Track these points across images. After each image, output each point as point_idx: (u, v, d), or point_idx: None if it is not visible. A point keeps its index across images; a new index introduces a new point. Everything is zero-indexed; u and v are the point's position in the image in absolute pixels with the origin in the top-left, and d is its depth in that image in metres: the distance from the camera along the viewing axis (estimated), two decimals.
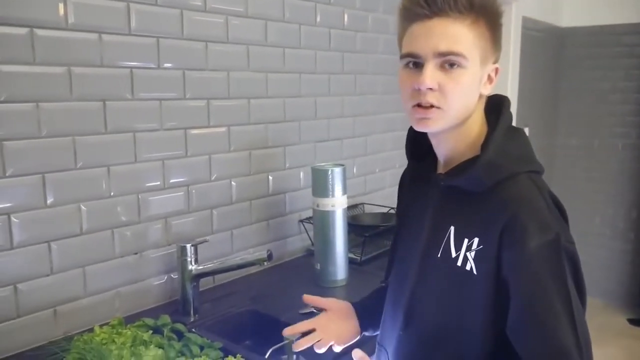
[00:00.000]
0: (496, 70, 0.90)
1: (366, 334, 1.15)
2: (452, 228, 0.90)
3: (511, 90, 3.34)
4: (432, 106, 0.84)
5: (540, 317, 0.80)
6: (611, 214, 4.06)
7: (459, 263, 0.87)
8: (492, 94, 0.93)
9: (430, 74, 0.83)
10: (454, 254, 0.88)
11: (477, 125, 0.92)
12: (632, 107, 3.91)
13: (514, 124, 0.93)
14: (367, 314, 1.14)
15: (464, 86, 0.84)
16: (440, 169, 0.97)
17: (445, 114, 0.85)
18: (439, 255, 0.91)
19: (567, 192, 3.93)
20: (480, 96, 0.90)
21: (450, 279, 0.89)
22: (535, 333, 0.80)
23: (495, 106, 0.93)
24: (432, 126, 0.87)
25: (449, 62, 0.83)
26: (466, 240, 0.87)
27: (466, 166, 0.89)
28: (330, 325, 1.11)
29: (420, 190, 1.01)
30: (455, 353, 0.89)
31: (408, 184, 1.08)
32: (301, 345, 1.07)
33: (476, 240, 0.86)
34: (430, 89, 0.83)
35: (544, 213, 0.82)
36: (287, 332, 1.11)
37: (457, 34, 0.82)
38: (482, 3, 0.84)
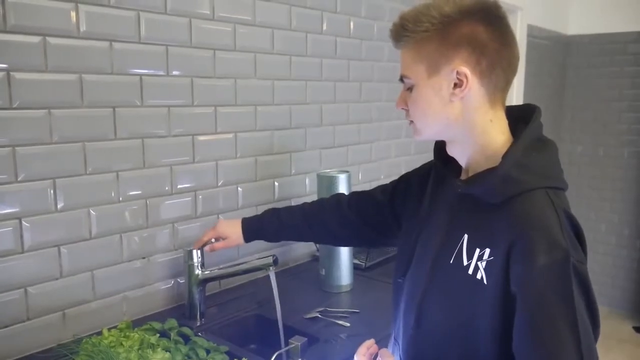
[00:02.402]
0: (458, 72, 0.88)
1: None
2: (466, 236, 0.91)
3: (516, 98, 3.36)
4: (411, 121, 0.98)
5: (543, 338, 0.79)
6: (617, 221, 4.05)
7: (470, 272, 0.88)
8: (523, 103, 0.96)
9: (399, 98, 0.98)
10: (465, 262, 0.89)
11: (494, 135, 0.92)
12: (638, 115, 3.91)
13: None
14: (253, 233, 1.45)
15: (418, 100, 0.93)
16: (463, 176, 0.99)
17: (418, 126, 0.96)
18: (451, 262, 0.92)
19: (572, 200, 3.92)
20: (466, 103, 0.90)
21: (461, 286, 0.89)
22: (537, 354, 0.80)
23: (525, 116, 0.93)
24: (418, 137, 0.98)
25: (405, 84, 0.96)
26: (478, 250, 0.88)
27: (483, 176, 0.90)
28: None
29: (441, 192, 1.03)
30: (464, 355, 0.90)
31: (431, 184, 1.09)
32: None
33: (487, 251, 0.86)
34: (403, 108, 0.97)
35: (554, 231, 0.81)
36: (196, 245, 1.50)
37: (403, 59, 0.94)
38: (410, 27, 0.89)
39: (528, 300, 0.81)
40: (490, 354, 0.87)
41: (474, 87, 0.89)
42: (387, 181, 1.33)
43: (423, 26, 0.88)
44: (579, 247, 0.84)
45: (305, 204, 1.43)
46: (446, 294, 0.93)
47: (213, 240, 1.49)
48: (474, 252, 0.88)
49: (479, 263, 0.87)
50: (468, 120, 0.91)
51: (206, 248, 1.49)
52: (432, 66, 0.90)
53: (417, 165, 1.21)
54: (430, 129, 0.95)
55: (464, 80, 0.88)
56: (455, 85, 0.89)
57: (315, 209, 1.40)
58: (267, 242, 1.53)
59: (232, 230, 1.46)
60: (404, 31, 0.90)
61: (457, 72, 0.88)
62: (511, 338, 0.84)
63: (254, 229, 1.45)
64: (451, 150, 0.99)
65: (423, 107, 0.93)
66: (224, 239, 1.47)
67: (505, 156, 0.87)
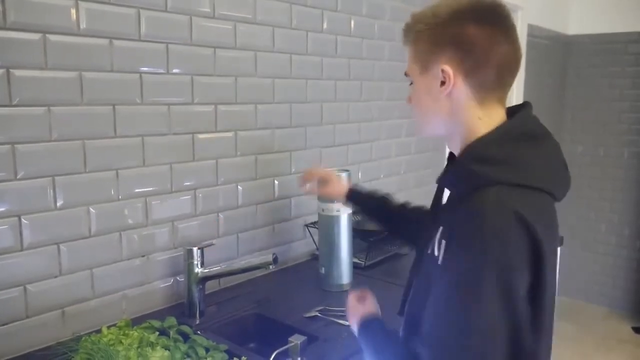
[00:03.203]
0: (443, 71, 0.90)
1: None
2: (441, 228, 0.93)
3: (517, 98, 3.35)
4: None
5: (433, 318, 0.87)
6: (616, 221, 4.05)
7: (440, 262, 0.90)
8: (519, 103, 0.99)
9: (408, 94, 1.02)
10: (436, 253, 0.92)
11: (481, 132, 0.91)
12: (639, 116, 3.91)
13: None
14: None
15: (414, 97, 1.00)
16: None
17: (417, 122, 1.02)
18: (429, 252, 0.95)
19: (572, 200, 3.94)
20: (453, 101, 0.92)
21: (430, 275, 0.92)
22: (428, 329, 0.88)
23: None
24: (417, 133, 1.05)
25: (410, 81, 1.01)
26: (444, 242, 0.90)
27: (451, 170, 0.96)
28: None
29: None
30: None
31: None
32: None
33: (444, 242, 0.89)
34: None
35: (485, 230, 0.80)
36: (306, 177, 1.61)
37: (407, 57, 1.00)
38: (410, 27, 0.96)
39: (437, 289, 0.87)
40: None
41: (459, 85, 0.91)
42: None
43: (418, 26, 0.94)
44: (516, 253, 0.80)
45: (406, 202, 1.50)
46: (421, 282, 0.98)
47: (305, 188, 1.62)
48: (441, 244, 0.90)
49: (440, 254, 0.90)
50: (457, 117, 0.94)
51: (310, 189, 1.61)
52: (424, 65, 0.95)
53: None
54: (427, 126, 1.00)
55: (448, 77, 0.91)
56: (442, 83, 0.92)
57: (412, 207, 1.45)
58: (360, 213, 1.68)
59: (338, 181, 1.57)
60: (407, 31, 0.98)
61: (442, 71, 0.91)
62: None
63: (358, 192, 1.52)
64: (449, 146, 1.02)
65: (419, 104, 0.99)
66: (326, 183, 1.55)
67: (465, 149, 0.91)
